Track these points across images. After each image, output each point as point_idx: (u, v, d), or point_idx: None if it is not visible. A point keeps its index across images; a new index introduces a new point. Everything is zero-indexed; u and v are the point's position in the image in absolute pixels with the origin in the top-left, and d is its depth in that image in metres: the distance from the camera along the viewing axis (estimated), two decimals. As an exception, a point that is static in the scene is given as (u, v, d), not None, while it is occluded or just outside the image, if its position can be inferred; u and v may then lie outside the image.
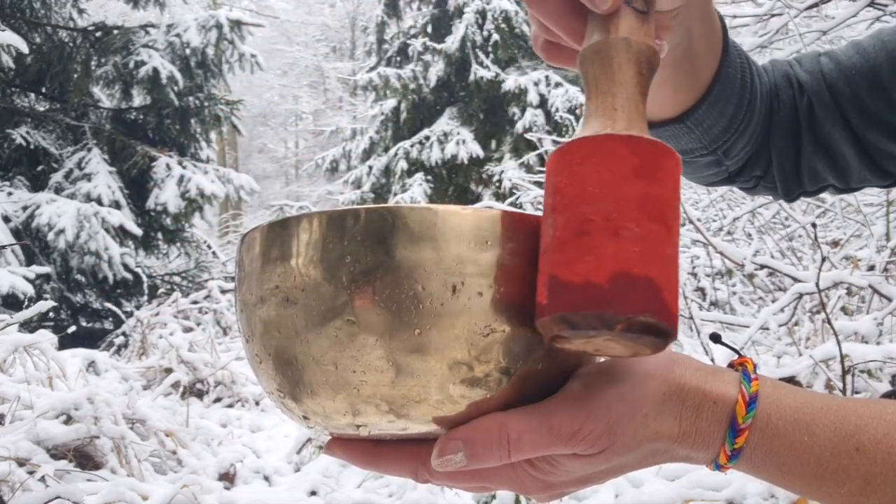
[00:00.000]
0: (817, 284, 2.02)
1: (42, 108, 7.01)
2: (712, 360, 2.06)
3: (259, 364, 0.45)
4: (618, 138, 0.39)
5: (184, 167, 6.84)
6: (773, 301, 3.06)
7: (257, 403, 3.77)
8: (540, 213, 0.42)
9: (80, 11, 7.15)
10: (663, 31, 0.51)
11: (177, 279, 7.40)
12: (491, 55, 10.28)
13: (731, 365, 0.48)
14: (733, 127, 0.64)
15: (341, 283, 0.40)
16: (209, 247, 8.07)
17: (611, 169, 0.38)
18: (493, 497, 1.93)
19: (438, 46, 10.51)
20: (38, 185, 6.43)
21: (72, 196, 6.21)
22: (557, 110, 9.61)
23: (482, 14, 10.35)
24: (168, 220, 7.05)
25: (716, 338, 0.53)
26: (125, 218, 6.18)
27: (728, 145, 0.65)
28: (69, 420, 2.37)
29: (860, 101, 0.65)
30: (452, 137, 10.16)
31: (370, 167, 11.04)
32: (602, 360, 0.46)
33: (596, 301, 0.36)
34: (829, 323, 1.95)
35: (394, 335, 0.40)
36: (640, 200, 0.38)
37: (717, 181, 0.71)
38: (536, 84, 9.88)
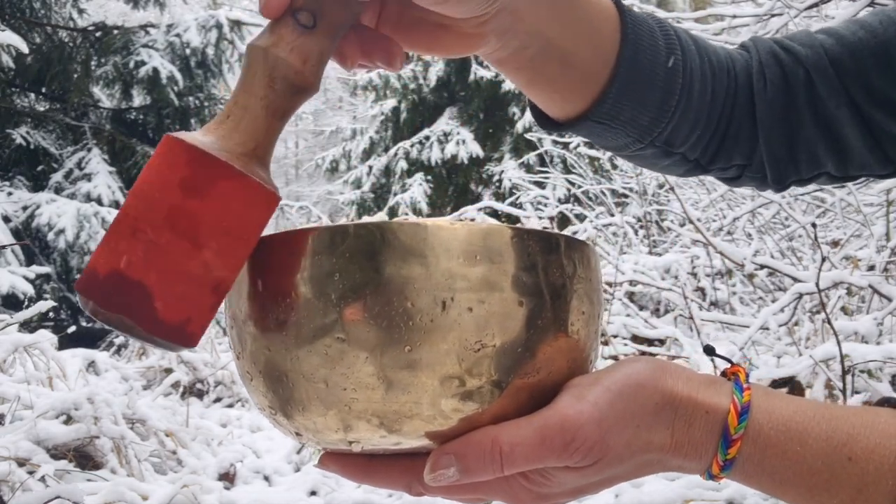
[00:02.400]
0: (817, 284, 2.02)
1: (42, 108, 7.00)
2: (712, 361, 2.06)
3: (250, 381, 0.45)
4: (183, 144, 0.39)
5: (184, 167, 6.84)
6: (773, 301, 3.06)
7: (257, 403, 3.77)
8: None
9: (80, 11, 7.15)
10: (470, 38, 0.49)
11: (177, 279, 7.40)
12: (491, 55, 10.28)
13: (723, 374, 0.47)
14: (665, 115, 0.59)
15: (330, 300, 0.40)
16: (209, 247, 8.06)
17: (161, 170, 0.39)
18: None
19: (438, 46, 10.51)
20: (38, 185, 6.43)
21: (72, 196, 6.21)
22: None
23: (482, 14, 10.35)
24: (168, 220, 7.05)
25: (710, 350, 0.52)
26: (125, 218, 6.17)
27: (666, 135, 0.60)
28: (69, 420, 2.37)
29: (867, 77, 0.60)
30: (452, 137, 10.16)
31: (370, 167, 11.04)
32: (593, 371, 0.46)
33: (92, 290, 0.38)
34: (829, 323, 1.95)
35: (384, 352, 0.40)
36: (171, 210, 0.38)
37: (685, 171, 0.66)
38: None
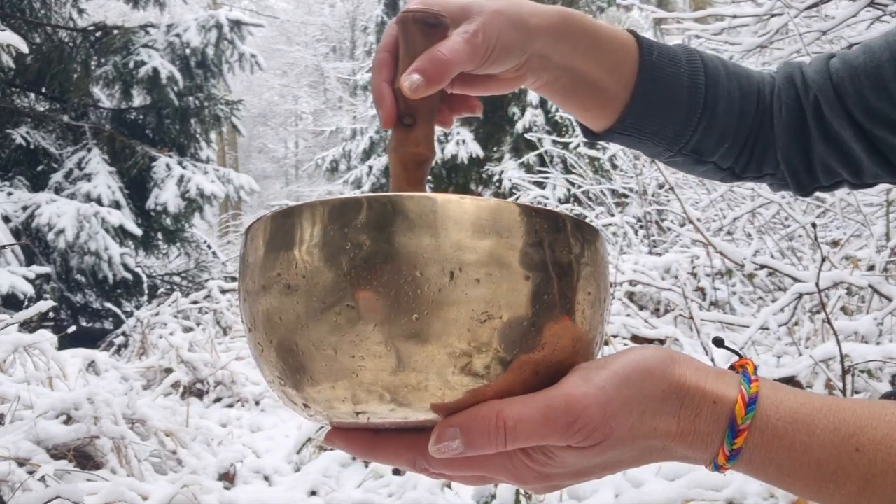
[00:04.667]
0: (817, 284, 2.02)
1: (42, 108, 7.00)
2: (712, 359, 2.06)
3: (261, 353, 0.46)
4: None
5: (184, 167, 6.84)
6: (773, 301, 3.06)
7: (257, 403, 3.77)
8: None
9: (80, 11, 7.15)
10: (512, 81, 0.62)
11: (177, 279, 7.40)
12: (491, 55, 10.27)
13: (731, 367, 0.48)
14: (689, 129, 0.68)
15: (341, 269, 0.41)
16: (209, 247, 8.07)
17: None
18: (493, 497, 1.93)
19: (438, 46, 10.50)
20: (38, 185, 6.43)
21: (72, 196, 6.21)
22: (557, 110, 9.61)
23: (482, 14, 10.35)
24: (168, 220, 7.05)
25: (718, 342, 0.53)
26: (125, 218, 6.17)
27: (692, 145, 0.69)
28: (69, 420, 2.37)
29: (864, 99, 0.65)
30: (452, 137, 10.16)
31: (370, 167, 11.05)
32: (603, 355, 0.47)
33: None
34: (829, 323, 1.95)
35: (392, 320, 0.41)
36: None
37: (723, 178, 0.75)
38: (536, 84, 9.87)
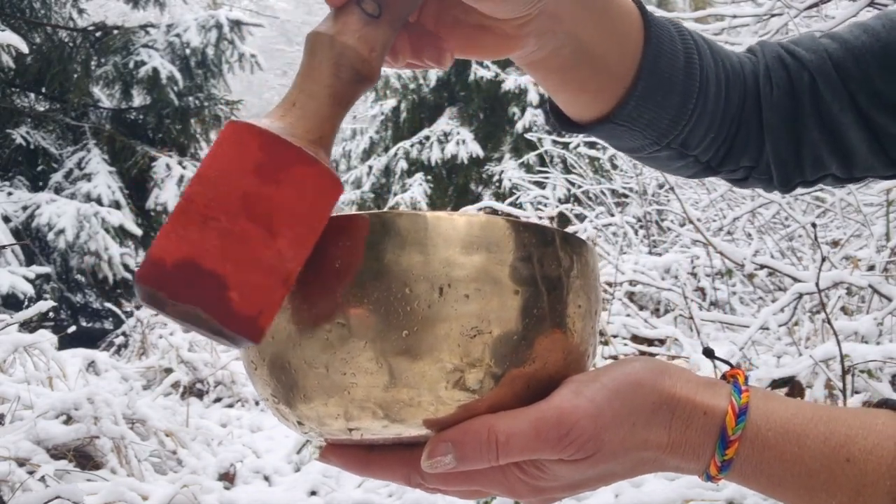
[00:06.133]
0: (817, 284, 2.02)
1: (42, 108, 7.00)
2: (712, 362, 2.06)
3: (254, 370, 0.46)
4: (253, 130, 0.38)
5: (184, 167, 6.84)
6: (773, 301, 3.06)
7: (257, 403, 3.77)
8: (536, 216, 0.43)
9: (80, 11, 7.15)
10: (510, 40, 0.50)
11: (177, 279, 7.40)
12: (491, 55, 10.27)
13: (723, 377, 0.48)
14: (683, 118, 0.59)
15: (331, 286, 0.41)
16: (209, 247, 8.07)
17: (234, 157, 0.38)
18: (494, 497, 1.93)
19: (438, 46, 10.50)
20: (38, 185, 6.43)
21: (72, 196, 6.21)
22: (557, 110, 9.59)
23: (482, 14, 10.35)
24: (168, 220, 7.06)
25: (709, 353, 0.53)
26: (125, 218, 6.18)
27: (683, 137, 0.61)
28: (69, 420, 2.37)
29: (870, 81, 0.60)
30: (452, 137, 10.15)
31: (370, 167, 11.04)
32: (594, 367, 0.47)
33: (161, 281, 0.36)
34: (829, 323, 1.95)
35: (383, 337, 0.41)
36: (246, 196, 0.37)
37: (695, 173, 0.67)
38: (536, 84, 9.86)
